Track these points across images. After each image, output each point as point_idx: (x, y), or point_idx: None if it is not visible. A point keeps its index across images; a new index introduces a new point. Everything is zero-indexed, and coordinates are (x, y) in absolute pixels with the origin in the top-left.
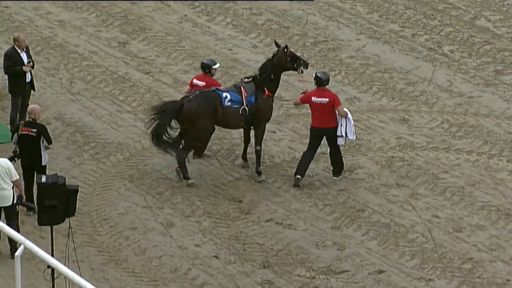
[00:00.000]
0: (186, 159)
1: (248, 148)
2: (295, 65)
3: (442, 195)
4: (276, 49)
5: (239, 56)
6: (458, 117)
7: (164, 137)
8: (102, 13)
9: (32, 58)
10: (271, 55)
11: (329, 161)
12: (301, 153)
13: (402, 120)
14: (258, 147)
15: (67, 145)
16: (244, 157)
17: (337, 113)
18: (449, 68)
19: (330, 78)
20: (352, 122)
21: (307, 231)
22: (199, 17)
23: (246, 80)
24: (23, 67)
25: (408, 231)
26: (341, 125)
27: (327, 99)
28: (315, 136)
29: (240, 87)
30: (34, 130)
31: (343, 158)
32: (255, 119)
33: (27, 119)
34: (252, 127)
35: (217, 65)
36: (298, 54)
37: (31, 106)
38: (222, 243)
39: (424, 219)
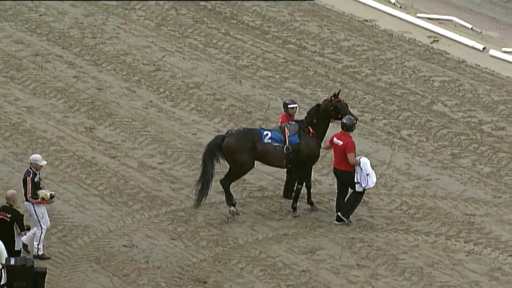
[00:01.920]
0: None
1: (288, 188)
2: (339, 116)
3: (401, 275)
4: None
5: (203, 140)
6: (416, 199)
7: (210, 178)
8: (70, 100)
9: None
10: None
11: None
12: (264, 235)
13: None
14: (299, 186)
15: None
16: (284, 195)
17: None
18: (407, 151)
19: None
20: (368, 171)
21: None
22: (164, 102)
23: (291, 122)
24: None
25: None
26: (356, 173)
27: (342, 142)
28: (335, 176)
29: (285, 128)
30: (8, 216)
31: (357, 205)
32: (299, 159)
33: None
34: (297, 168)
35: (293, 105)
36: (348, 107)
37: (9, 192)
38: None
39: None
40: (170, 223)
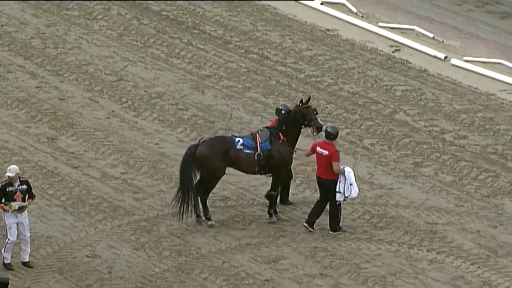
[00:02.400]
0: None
1: (288, 193)
2: (305, 122)
3: (364, 285)
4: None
5: (166, 150)
6: (379, 208)
7: (190, 189)
8: (32, 110)
9: None
10: None
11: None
12: (227, 245)
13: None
14: (272, 192)
15: None
16: (281, 201)
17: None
18: (369, 160)
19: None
20: (352, 180)
21: None
22: (126, 112)
23: (263, 128)
24: None
25: None
26: (340, 182)
27: (327, 152)
28: (318, 185)
29: (256, 134)
30: None
31: (340, 213)
32: (270, 165)
33: None
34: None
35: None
36: (316, 115)
37: None
38: None
39: None
40: (132, 233)
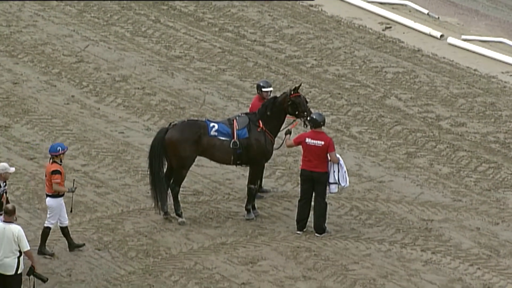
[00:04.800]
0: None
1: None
2: (296, 113)
3: None
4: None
5: (131, 139)
6: (368, 203)
7: (160, 179)
8: None
9: None
10: None
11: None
12: (199, 244)
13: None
14: (251, 186)
15: None
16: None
17: (329, 158)
18: (357, 150)
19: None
20: (345, 168)
21: None
22: (87, 97)
23: (242, 114)
24: None
25: None
26: (334, 171)
27: (323, 142)
28: (304, 180)
29: (233, 120)
30: None
31: (327, 212)
32: (249, 156)
33: None
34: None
35: (267, 89)
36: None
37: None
38: None
39: None
40: (95, 231)
